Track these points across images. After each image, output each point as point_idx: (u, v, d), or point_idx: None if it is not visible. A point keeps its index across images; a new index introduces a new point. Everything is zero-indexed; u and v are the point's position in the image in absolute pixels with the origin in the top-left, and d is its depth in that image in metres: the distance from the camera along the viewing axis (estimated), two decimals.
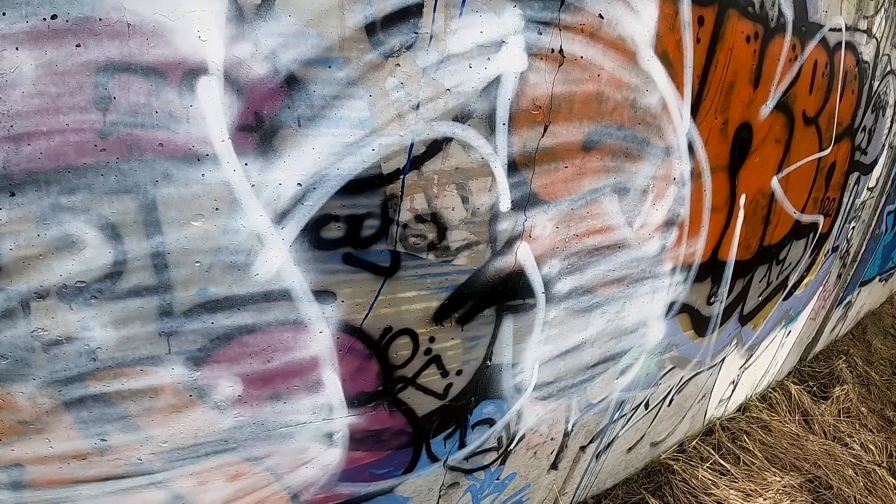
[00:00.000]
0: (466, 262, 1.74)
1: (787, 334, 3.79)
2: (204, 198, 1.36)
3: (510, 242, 1.79)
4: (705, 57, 2.05)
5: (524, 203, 1.75)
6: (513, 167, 1.67)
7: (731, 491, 3.13)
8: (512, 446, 2.38)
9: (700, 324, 2.80)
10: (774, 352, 3.76)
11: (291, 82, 1.32)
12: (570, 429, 2.56)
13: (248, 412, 1.70)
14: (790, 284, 3.35)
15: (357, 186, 1.47)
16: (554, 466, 2.67)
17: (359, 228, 1.53)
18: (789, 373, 4.14)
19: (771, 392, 3.87)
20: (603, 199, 1.95)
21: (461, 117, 1.52)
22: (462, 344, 1.91)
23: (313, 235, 1.49)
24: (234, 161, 1.35)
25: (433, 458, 2.16)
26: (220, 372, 1.61)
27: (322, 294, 1.58)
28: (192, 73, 1.26)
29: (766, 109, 2.46)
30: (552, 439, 2.54)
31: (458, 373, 1.97)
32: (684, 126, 2.09)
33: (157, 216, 1.35)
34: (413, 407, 1.96)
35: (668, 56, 1.92)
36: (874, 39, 3.10)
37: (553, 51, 1.61)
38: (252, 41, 1.27)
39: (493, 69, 1.53)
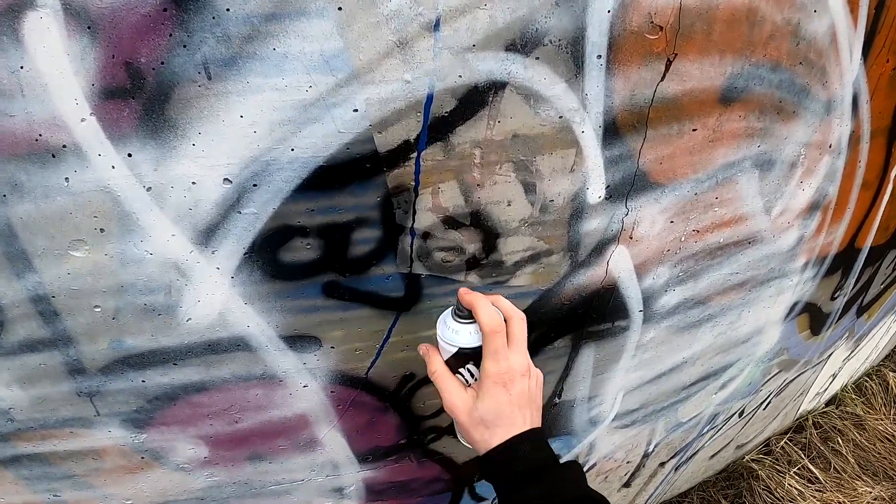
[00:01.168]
0: (530, 281, 0.95)
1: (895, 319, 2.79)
2: (77, 215, 0.64)
3: (600, 248, 0.98)
4: None
5: (626, 189, 0.92)
6: (612, 132, 0.83)
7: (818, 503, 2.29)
8: None
9: (818, 322, 1.91)
10: (879, 339, 2.78)
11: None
12: (650, 450, 1.77)
13: (224, 473, 1.05)
14: None
15: (333, 176, 0.70)
16: (626, 485, 1.91)
17: (345, 244, 0.76)
18: (886, 357, 3.13)
19: (866, 380, 2.90)
20: (740, 178, 1.09)
21: (521, 45, 0.70)
22: None
23: (268, 260, 0.74)
24: (109, 151, 0.62)
25: (478, 499, 1.45)
26: (173, 435, 0.96)
27: (298, 340, 0.85)
28: (10, 9, 0.53)
29: None
30: (628, 462, 1.77)
31: None
32: (853, 70, 1.17)
33: (20, 247, 0.67)
34: (451, 456, 1.24)
35: None
36: None
37: None
38: None
39: None
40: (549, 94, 0.74)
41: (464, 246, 0.84)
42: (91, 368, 0.83)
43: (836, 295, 1.87)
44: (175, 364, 0.84)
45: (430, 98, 0.68)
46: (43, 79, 0.58)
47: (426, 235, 0.79)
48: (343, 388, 0.95)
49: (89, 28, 0.57)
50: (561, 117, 0.77)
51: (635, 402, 1.47)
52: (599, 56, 0.75)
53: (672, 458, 1.95)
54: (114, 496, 1.07)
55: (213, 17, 0.58)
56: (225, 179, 0.67)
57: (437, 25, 0.64)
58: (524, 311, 0.83)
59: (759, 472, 2.35)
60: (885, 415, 2.74)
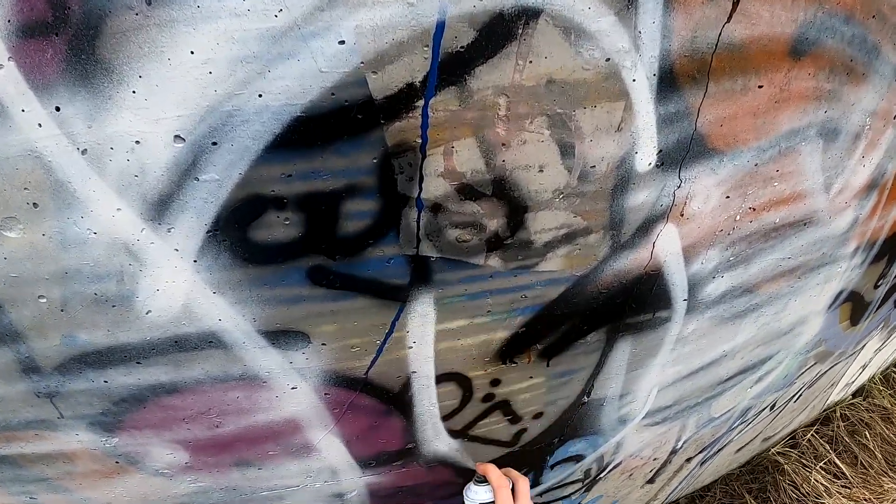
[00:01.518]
0: (563, 265, 0.76)
1: None
2: (5, 187, 0.47)
3: (646, 227, 0.79)
4: None
5: (682, 155, 0.73)
6: (668, 82, 0.64)
7: (844, 500, 2.10)
8: (602, 475, 1.46)
9: (858, 311, 1.71)
10: None
11: None
12: (679, 446, 1.60)
13: (209, 479, 0.91)
14: None
15: (314, 130, 0.52)
16: (650, 482, 1.74)
17: (333, 219, 0.58)
18: None
19: (894, 371, 2.69)
20: (803, 148, 0.89)
21: None
22: (546, 383, 0.97)
23: (237, 238, 0.57)
24: (34, 105, 0.44)
25: None
26: (146, 439, 0.81)
27: (281, 336, 0.68)
28: None
29: None
30: (654, 459, 1.59)
31: (538, 416, 1.05)
32: None
33: None
34: (463, 462, 1.07)
35: None
36: None
37: None
38: None
39: None
40: (594, 29, 0.56)
41: (484, 221, 0.66)
42: (46, 367, 0.68)
43: (880, 283, 1.67)
44: (139, 363, 0.68)
45: (440, 26, 0.49)
46: None
47: (437, 208, 0.62)
48: (339, 389, 0.79)
49: None
50: (608, 60, 0.58)
51: (669, 398, 1.29)
52: None
53: (699, 453, 1.77)
54: (92, 500, 0.93)
55: None
56: (176, 137, 0.50)
57: None
58: (556, 299, 0.65)
59: (785, 465, 2.17)
60: None
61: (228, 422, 0.80)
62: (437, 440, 0.99)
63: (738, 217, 0.89)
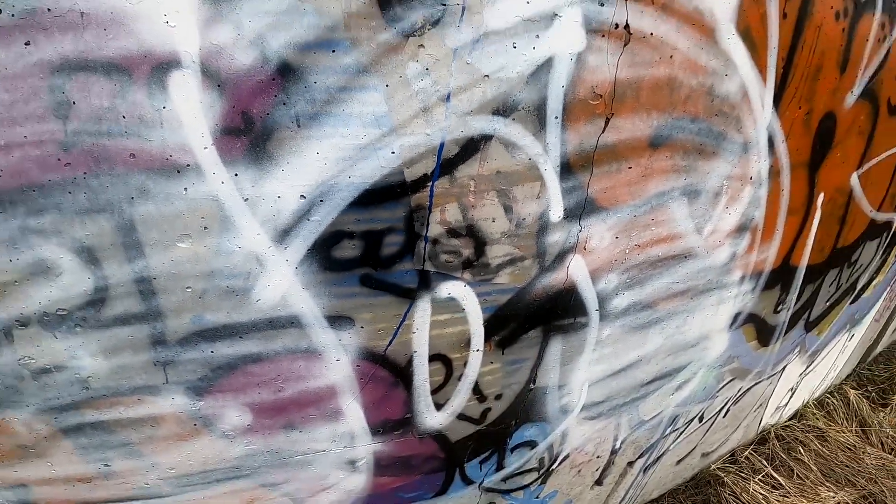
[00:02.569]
0: (509, 280, 1.36)
1: (851, 338, 3.27)
2: (189, 216, 1.03)
3: (561, 256, 1.40)
4: (791, 35, 1.59)
5: (579, 211, 1.35)
6: (567, 169, 1.27)
7: None
8: (554, 466, 2.02)
9: (765, 333, 2.35)
10: (836, 356, 3.25)
11: (286, 72, 0.97)
12: (618, 446, 2.17)
13: (261, 441, 1.40)
14: (859, 287, 2.85)
15: (374, 197, 1.11)
16: (598, 483, 2.29)
17: (378, 246, 1.17)
18: (848, 376, 3.60)
19: (828, 397, 3.36)
20: (671, 204, 1.53)
21: (503, 110, 1.13)
22: (502, 368, 1.54)
23: (323, 255, 1.14)
24: (222, 171, 1.01)
25: (467, 481, 1.82)
26: (226, 402, 1.31)
27: (337, 320, 1.24)
28: (161, 67, 0.93)
29: (852, 97, 1.97)
30: (598, 457, 2.16)
31: (498, 397, 1.61)
32: (765, 117, 1.64)
33: (137, 238, 1.04)
34: (446, 433, 1.61)
35: (751, 34, 1.47)
36: None
37: (617, 26, 1.19)
38: (233, 23, 0.92)
39: (542, 49, 1.13)
40: (522, 144, 1.17)
41: (461, 251, 1.25)
42: (171, 340, 1.19)
43: (780, 308, 2.33)
44: (241, 337, 1.21)
45: (442, 146, 1.10)
46: (179, 117, 0.97)
47: (435, 242, 1.21)
48: (366, 362, 1.34)
49: (219, 86, 0.97)
50: (530, 159, 1.20)
51: (599, 394, 1.87)
52: (556, 117, 1.19)
53: (639, 457, 2.34)
54: (160, 465, 1.38)
55: (305, 87, 1.00)
56: (301, 196, 1.07)
57: (448, 98, 1.07)
58: (505, 303, 1.24)
59: (725, 478, 2.76)
60: (846, 428, 3.19)
61: (289, 387, 1.33)
62: (428, 413, 1.54)
63: (627, 251, 1.51)
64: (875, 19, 1.89)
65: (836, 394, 3.40)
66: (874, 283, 3.00)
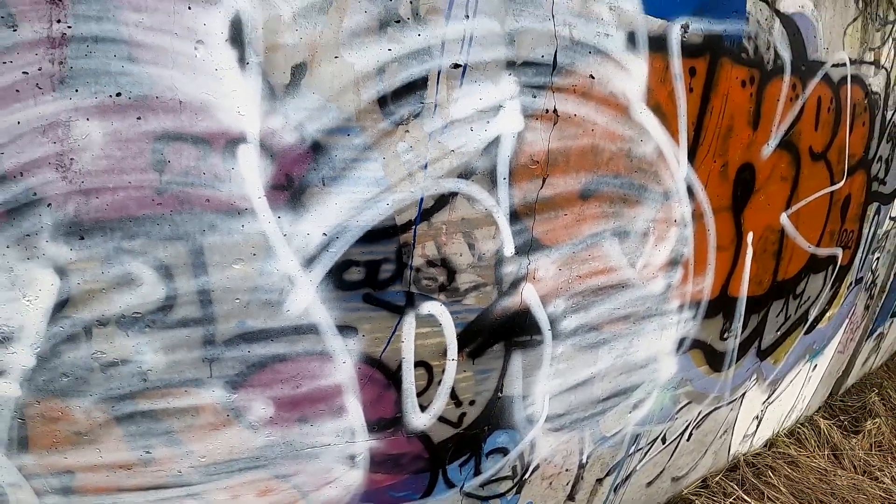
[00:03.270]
0: (475, 301, 1.98)
1: (814, 368, 3.87)
2: (243, 245, 1.63)
3: (515, 284, 2.03)
4: (699, 104, 2.28)
5: (527, 248, 1.99)
6: (515, 216, 1.91)
7: None
8: (527, 475, 2.58)
9: (714, 359, 2.96)
10: (801, 386, 3.84)
11: (316, 148, 1.60)
12: (584, 461, 2.74)
13: (279, 432, 1.94)
14: (811, 318, 3.47)
15: (374, 236, 1.74)
16: (571, 498, 2.84)
17: (377, 272, 1.79)
18: (819, 407, 4.19)
19: (799, 427, 3.94)
20: (603, 243, 2.17)
21: (465, 174, 1.78)
22: (474, 376, 2.14)
23: (337, 278, 1.75)
24: (269, 215, 1.62)
25: (450, 484, 2.37)
26: (255, 395, 1.86)
27: (345, 329, 1.84)
28: (233, 141, 1.54)
29: (769, 149, 2.66)
30: (567, 470, 2.72)
31: (471, 403, 2.20)
32: (682, 171, 2.31)
33: (203, 260, 1.62)
34: (429, 434, 2.19)
35: (661, 107, 2.15)
36: (883, 70, 3.26)
37: (547, 111, 1.86)
38: (283, 115, 1.55)
39: (492, 131, 1.79)
40: (480, 198, 1.82)
41: (437, 277, 1.88)
42: (219, 340, 1.74)
43: (726, 336, 2.95)
44: (272, 340, 1.80)
45: (422, 200, 1.74)
46: (243, 175, 1.57)
47: (417, 270, 1.83)
48: (366, 366, 1.93)
49: (271, 156, 1.59)
50: (486, 210, 1.85)
51: (561, 407, 2.46)
52: (505, 178, 1.84)
53: (607, 475, 2.90)
54: (194, 453, 1.88)
55: (329, 158, 1.63)
56: (324, 234, 1.69)
57: (426, 166, 1.72)
58: (473, 320, 1.87)
59: (696, 501, 3.31)
60: (818, 454, 3.75)
61: (305, 384, 1.91)
62: (414, 413, 2.12)
63: (570, 281, 2.14)
64: (784, 82, 2.60)
65: (807, 424, 3.98)
66: (828, 315, 3.63)
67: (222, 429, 1.87)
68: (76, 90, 1.38)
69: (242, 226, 1.61)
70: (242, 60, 1.50)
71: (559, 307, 2.18)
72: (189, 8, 1.41)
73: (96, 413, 1.68)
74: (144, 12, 1.39)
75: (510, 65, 1.76)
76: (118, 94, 1.43)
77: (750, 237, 2.78)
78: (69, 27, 1.34)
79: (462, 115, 1.73)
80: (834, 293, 3.57)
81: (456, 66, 1.68)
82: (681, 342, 2.71)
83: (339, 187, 1.66)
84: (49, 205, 1.43)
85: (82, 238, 1.49)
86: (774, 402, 3.66)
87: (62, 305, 1.53)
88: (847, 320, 3.94)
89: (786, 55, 2.55)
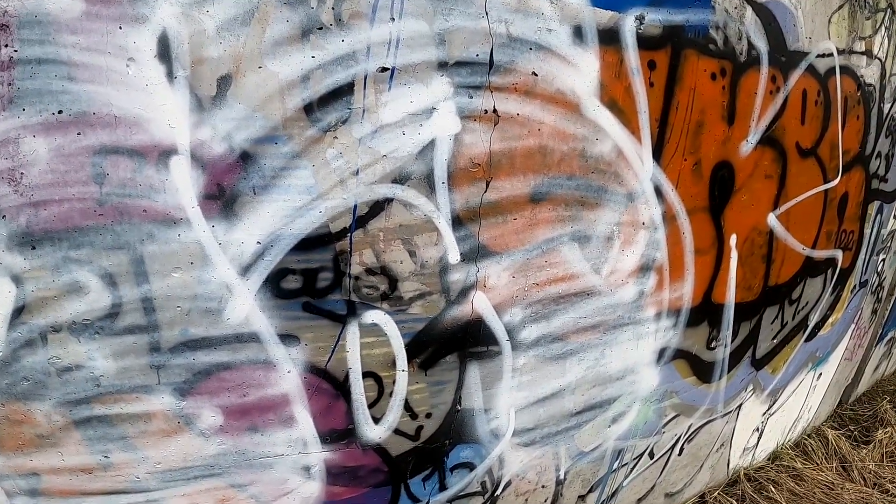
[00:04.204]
0: (421, 311, 2.07)
1: (818, 377, 3.84)
2: (181, 254, 1.75)
3: (464, 292, 2.11)
4: (662, 99, 2.32)
5: (474, 255, 2.07)
6: (458, 222, 2.00)
7: None
8: (499, 492, 2.64)
9: (702, 370, 2.98)
10: (805, 396, 3.82)
11: (245, 158, 1.72)
12: (562, 477, 2.79)
13: (230, 441, 2.04)
14: (811, 324, 3.46)
15: (309, 244, 1.84)
16: None
17: (314, 280, 1.89)
18: (828, 417, 4.16)
19: (806, 439, 3.90)
20: (561, 248, 2.24)
21: (400, 179, 1.88)
22: (428, 388, 2.22)
23: (274, 286, 1.86)
24: (203, 224, 1.74)
25: (413, 499, 2.44)
26: (203, 403, 1.96)
27: (287, 338, 1.94)
28: (165, 153, 1.66)
29: (748, 145, 2.68)
30: (543, 487, 2.77)
31: (428, 416, 2.28)
32: (647, 170, 2.36)
33: (144, 268, 1.74)
34: (385, 447, 2.27)
35: (618, 103, 2.21)
36: (877, 60, 3.25)
37: (486, 111, 1.95)
38: (211, 126, 1.67)
39: (426, 134, 1.88)
40: (417, 203, 1.92)
41: (378, 286, 1.97)
42: (164, 348, 1.85)
43: (713, 345, 2.98)
44: (215, 348, 1.90)
45: (355, 207, 1.84)
46: (176, 186, 1.69)
47: (357, 278, 1.93)
48: (311, 375, 2.03)
49: (202, 166, 1.70)
50: (425, 216, 1.94)
51: (528, 420, 2.52)
52: (444, 182, 1.93)
53: (590, 491, 2.94)
54: (149, 459, 1.99)
55: (258, 167, 1.73)
56: (258, 242, 1.80)
57: (357, 172, 1.82)
58: (421, 330, 1.97)
59: None
60: (825, 467, 3.72)
61: (251, 393, 2.01)
62: (367, 425, 2.20)
63: (526, 289, 2.21)
64: (762, 74, 2.63)
65: (814, 435, 3.94)
66: (831, 320, 3.62)
67: (174, 435, 1.98)
68: (23, 109, 1.54)
69: (179, 235, 1.73)
70: (171, 75, 1.62)
71: (516, 316, 2.26)
72: (120, 28, 1.55)
73: (56, 417, 1.82)
74: (81, 34, 1.52)
75: (442, 66, 1.85)
76: (60, 112, 1.57)
77: (733, 240, 2.82)
78: (16, 51, 1.49)
79: (393, 119, 1.83)
80: (836, 298, 3.56)
81: (383, 69, 1.78)
82: (661, 352, 2.75)
83: (269, 195, 1.77)
84: (4, 216, 1.58)
85: (34, 248, 1.63)
86: (776, 414, 3.65)
87: (19, 312, 1.68)
88: (853, 326, 3.92)
89: (761, 45, 2.58)
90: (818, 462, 3.76)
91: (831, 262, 3.39)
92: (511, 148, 2.02)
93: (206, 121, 1.67)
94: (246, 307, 1.86)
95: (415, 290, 2.03)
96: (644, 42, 2.21)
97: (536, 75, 2.00)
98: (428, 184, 1.92)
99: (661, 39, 2.26)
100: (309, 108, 1.74)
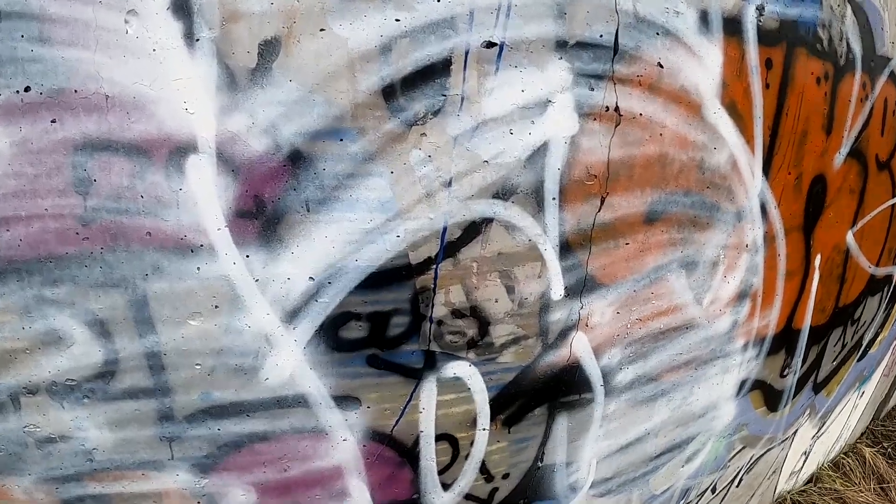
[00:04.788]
0: (513, 359, 1.37)
1: (861, 395, 3.22)
2: (201, 294, 1.06)
3: (564, 334, 1.41)
4: (776, 104, 1.66)
5: (580, 289, 1.37)
6: (566, 248, 1.30)
7: None
8: None
9: (772, 398, 2.33)
10: (847, 416, 3.19)
11: (296, 159, 1.02)
12: None
13: None
14: (864, 343, 2.84)
15: (381, 279, 1.14)
16: None
17: (385, 327, 1.19)
18: (862, 434, 3.52)
19: (843, 458, 3.27)
20: (669, 277, 1.55)
21: (503, 193, 1.18)
22: (509, 447, 1.52)
23: (331, 336, 1.16)
24: (234, 253, 1.04)
25: None
26: (231, 480, 1.30)
27: (344, 400, 1.24)
28: (179, 151, 0.98)
29: (840, 158, 2.03)
30: None
31: (505, 476, 1.58)
32: (756, 186, 1.69)
33: (148, 313, 1.07)
34: None
35: (737, 106, 1.53)
36: None
37: (608, 108, 1.26)
38: (247, 112, 0.98)
39: (538, 134, 1.18)
40: (522, 225, 1.21)
41: (465, 331, 1.27)
42: (178, 416, 1.19)
43: (786, 373, 2.31)
44: (248, 415, 1.21)
45: (444, 229, 1.14)
46: (195, 198, 1.00)
47: (440, 322, 1.23)
48: (373, 442, 1.33)
49: (233, 171, 1.01)
50: (530, 241, 1.24)
51: (608, 470, 1.83)
52: (554, 198, 1.23)
53: None
54: None
55: (315, 174, 1.04)
56: (310, 277, 1.09)
57: (450, 183, 1.12)
58: (510, 381, 1.26)
59: None
60: (865, 488, 3.08)
61: (294, 466, 1.31)
62: (435, 493, 1.50)
63: (629, 326, 1.52)
64: (856, 80, 1.97)
65: (851, 454, 3.31)
66: (879, 338, 2.99)
67: None
68: None
69: (198, 268, 1.05)
70: (190, 36, 0.96)
71: (615, 358, 1.56)
72: None
73: (38, 494, 1.22)
74: None
75: (560, 45, 1.16)
76: (27, 90, 0.94)
77: (818, 260, 2.15)
78: None
79: (499, 113, 1.13)
80: (886, 315, 2.93)
81: (490, 44, 1.08)
82: (742, 384, 2.08)
83: (330, 213, 1.07)
84: None
85: None
86: (823, 436, 3.02)
87: None
88: (895, 342, 3.29)
89: (857, 48, 1.93)
90: (857, 482, 3.11)
91: (888, 279, 2.75)
92: (630, 156, 1.33)
93: (240, 104, 0.98)
94: (291, 364, 1.16)
95: (508, 334, 1.33)
96: (762, 36, 1.53)
97: (662, 67, 1.31)
98: (536, 200, 1.22)
99: (777, 34, 1.59)
100: (389, 92, 1.04)
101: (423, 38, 1.03)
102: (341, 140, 1.03)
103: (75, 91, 0.93)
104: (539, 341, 1.38)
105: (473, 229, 1.17)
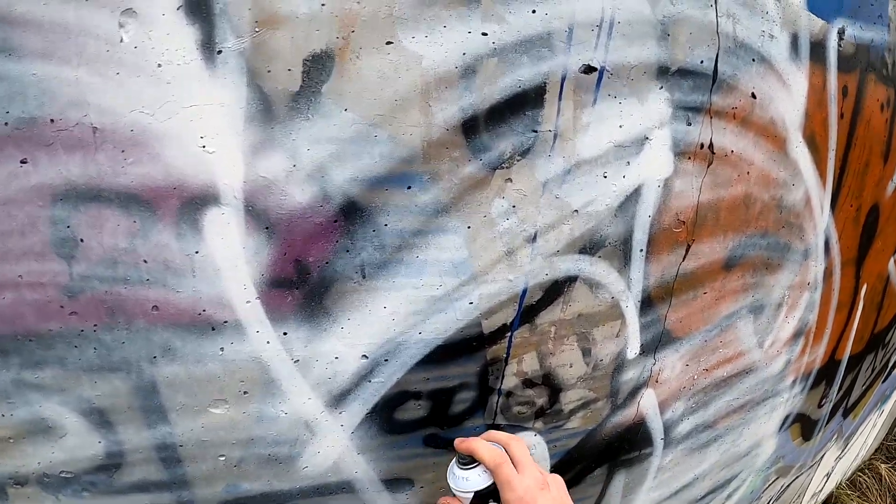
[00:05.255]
0: (580, 423, 1.13)
1: (881, 414, 3.05)
2: (225, 379, 0.79)
3: (634, 392, 1.18)
4: (847, 134, 1.44)
5: (655, 345, 1.13)
6: (647, 304, 1.06)
7: None
8: None
9: (808, 428, 2.13)
10: (867, 435, 3.02)
11: (351, 213, 0.76)
12: None
13: None
14: (890, 365, 2.66)
15: (447, 353, 0.88)
16: None
17: (448, 404, 0.94)
18: (877, 450, 3.35)
19: (860, 475, 3.10)
20: (738, 323, 1.33)
21: (590, 247, 0.93)
22: None
23: (384, 418, 0.90)
24: (267, 330, 0.78)
25: None
26: None
27: (395, 482, 0.99)
28: (194, 202, 0.71)
29: (893, 185, 1.82)
30: None
31: None
32: (823, 221, 1.47)
33: (159, 402, 0.80)
34: None
35: (816, 139, 1.30)
36: None
37: (702, 146, 1.02)
38: (287, 151, 0.72)
39: (632, 178, 0.94)
40: (606, 282, 0.97)
41: (535, 400, 1.02)
42: None
43: (823, 403, 2.10)
44: None
45: (524, 292, 0.89)
46: (216, 264, 0.73)
47: (509, 394, 0.98)
48: None
49: (267, 228, 0.74)
50: (612, 298, 0.99)
51: None
52: (641, 250, 0.99)
53: None
54: None
55: (374, 230, 0.79)
56: (363, 356, 0.85)
57: (534, 238, 0.87)
58: (574, 446, 1.02)
59: None
60: None
61: None
62: None
63: (695, 377, 1.29)
64: None
65: (867, 470, 3.13)
66: None
67: None
68: None
69: (221, 349, 0.78)
70: (210, 47, 0.68)
71: (678, 411, 1.33)
72: None
73: None
74: None
75: (662, 72, 0.91)
76: None
77: (864, 290, 1.94)
78: None
79: (593, 153, 0.88)
80: None
81: (589, 69, 0.83)
82: (785, 419, 1.87)
83: (389, 280, 0.81)
84: None
85: None
86: (844, 456, 2.85)
87: None
88: None
89: None
90: (873, 499, 2.94)
91: None
92: (718, 198, 1.09)
93: (278, 141, 0.72)
94: (337, 450, 0.91)
95: (578, 399, 1.09)
96: (840, 63, 1.30)
97: (755, 98, 1.07)
98: (623, 253, 0.97)
99: (853, 60, 1.36)
100: (471, 127, 0.78)
101: (514, 58, 0.77)
102: (409, 188, 0.78)
103: (52, 121, 0.65)
104: (608, 403, 1.14)
105: (555, 290, 0.92)
